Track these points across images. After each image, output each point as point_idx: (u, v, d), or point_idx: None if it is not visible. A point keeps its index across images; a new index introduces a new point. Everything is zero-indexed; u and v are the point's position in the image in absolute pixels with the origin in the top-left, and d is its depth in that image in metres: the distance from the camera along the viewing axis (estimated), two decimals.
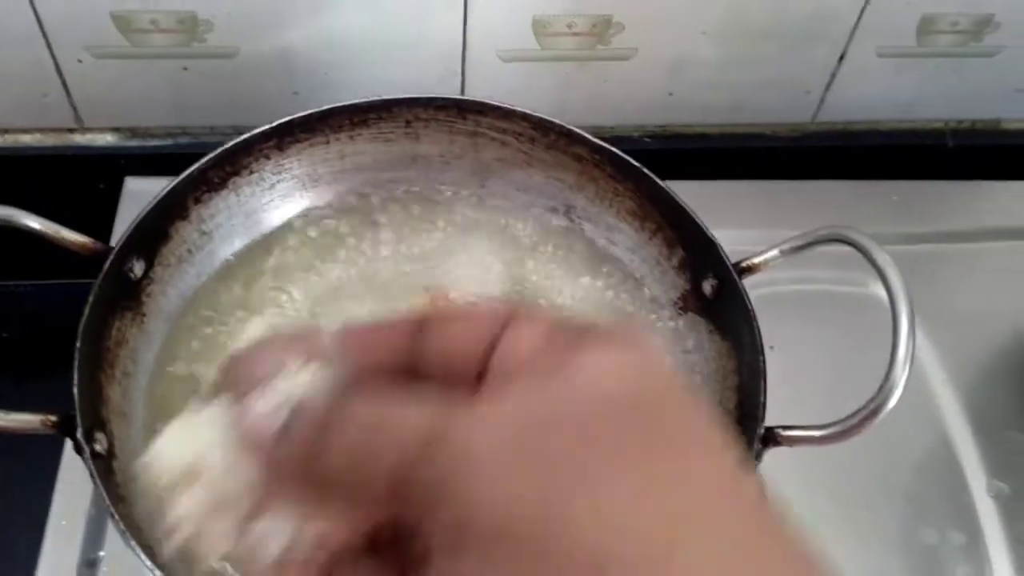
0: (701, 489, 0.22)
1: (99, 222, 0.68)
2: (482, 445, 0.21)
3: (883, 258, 0.48)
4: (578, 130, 0.58)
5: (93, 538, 0.55)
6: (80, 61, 0.67)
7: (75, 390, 0.45)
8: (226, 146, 0.55)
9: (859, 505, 0.60)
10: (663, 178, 0.58)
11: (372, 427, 0.22)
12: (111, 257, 0.49)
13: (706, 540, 0.21)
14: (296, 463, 0.23)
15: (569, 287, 0.60)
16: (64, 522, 0.55)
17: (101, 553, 0.54)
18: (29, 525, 0.55)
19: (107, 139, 0.73)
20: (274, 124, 0.56)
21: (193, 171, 0.54)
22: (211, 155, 0.54)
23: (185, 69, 0.68)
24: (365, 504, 0.23)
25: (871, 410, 0.45)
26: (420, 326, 0.25)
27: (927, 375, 0.65)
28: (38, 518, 0.55)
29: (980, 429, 0.63)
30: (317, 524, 0.24)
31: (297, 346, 0.25)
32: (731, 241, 0.57)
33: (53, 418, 0.45)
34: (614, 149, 0.58)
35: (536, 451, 0.21)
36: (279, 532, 0.24)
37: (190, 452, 0.25)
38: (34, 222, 0.49)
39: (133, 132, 0.73)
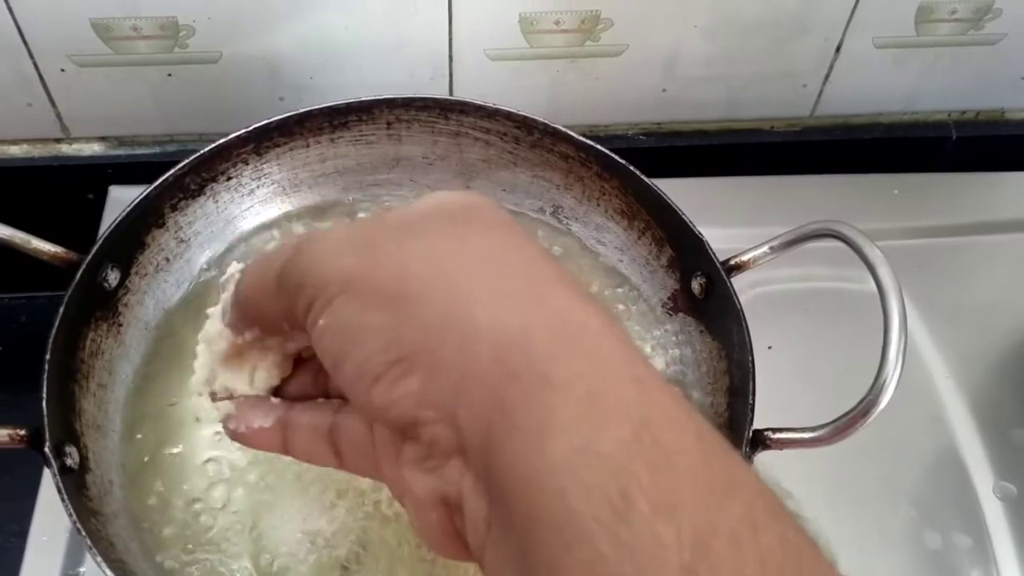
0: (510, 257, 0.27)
1: (86, 233, 0.67)
2: (327, 241, 0.28)
3: (873, 253, 0.46)
4: (563, 128, 0.57)
5: (74, 553, 0.54)
6: (63, 70, 0.66)
7: (43, 403, 0.44)
8: (202, 152, 0.54)
9: (863, 508, 0.59)
10: (660, 176, 0.56)
11: (261, 260, 0.31)
12: (83, 267, 0.48)
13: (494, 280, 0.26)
14: (237, 312, 0.32)
15: None
16: (45, 537, 0.54)
17: (82, 569, 0.53)
18: (11, 540, 0.54)
19: (94, 148, 0.72)
20: (251, 128, 0.55)
21: (168, 178, 0.53)
22: (186, 161, 0.54)
23: (169, 75, 0.67)
24: (278, 320, 0.30)
25: (861, 410, 0.44)
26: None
27: (931, 373, 0.63)
28: (20, 533, 0.54)
29: (986, 428, 0.61)
30: (266, 371, 0.33)
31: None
32: (730, 239, 0.55)
33: (22, 432, 0.44)
34: (600, 147, 0.56)
35: (369, 233, 0.28)
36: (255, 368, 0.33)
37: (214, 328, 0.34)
38: (3, 232, 0.48)
39: (120, 141, 0.72)
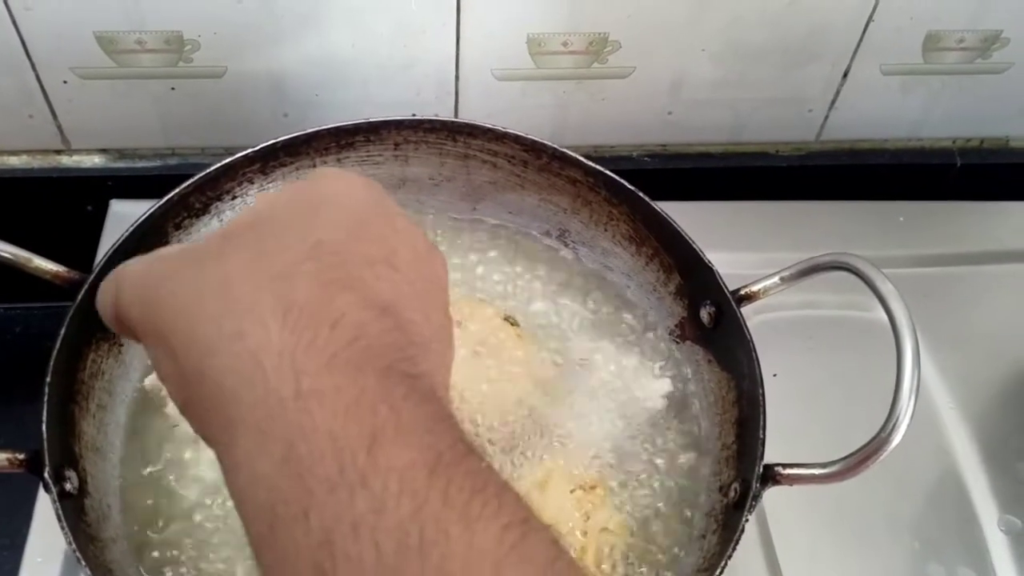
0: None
1: (86, 245, 0.67)
2: (126, 287, 0.31)
3: (886, 288, 0.46)
4: (571, 152, 0.56)
5: (70, 574, 0.53)
6: (66, 82, 0.65)
7: (43, 427, 0.44)
8: (207, 171, 0.53)
9: (865, 540, 0.58)
10: (664, 199, 0.56)
11: (100, 294, 0.33)
12: (85, 287, 0.48)
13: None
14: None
15: (563, 311, 0.58)
16: (40, 559, 0.53)
17: None
18: (6, 563, 0.53)
19: (95, 160, 0.71)
20: (258, 148, 0.55)
21: (173, 196, 0.52)
22: (191, 180, 0.53)
23: (173, 89, 0.67)
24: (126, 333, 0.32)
25: (873, 447, 0.43)
26: None
27: (935, 403, 0.63)
28: (15, 556, 0.53)
29: (991, 460, 0.61)
30: None
31: None
32: (734, 265, 0.55)
33: (21, 456, 0.43)
34: (608, 172, 0.56)
35: (149, 274, 0.31)
36: None
37: None
38: (6, 250, 0.47)
39: (121, 153, 0.71)
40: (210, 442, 0.28)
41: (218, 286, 0.28)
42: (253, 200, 0.57)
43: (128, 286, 0.31)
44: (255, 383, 0.26)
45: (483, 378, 0.53)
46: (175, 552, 0.49)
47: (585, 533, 0.49)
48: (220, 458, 0.27)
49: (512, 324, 0.56)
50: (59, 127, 0.69)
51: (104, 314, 0.33)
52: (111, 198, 0.70)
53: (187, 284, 0.29)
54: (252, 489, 0.25)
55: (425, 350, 0.29)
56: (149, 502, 0.50)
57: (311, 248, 0.29)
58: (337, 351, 0.26)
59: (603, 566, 0.49)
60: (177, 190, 0.52)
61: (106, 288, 0.32)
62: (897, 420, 0.43)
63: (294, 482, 0.24)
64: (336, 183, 0.32)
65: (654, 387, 0.54)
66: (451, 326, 0.32)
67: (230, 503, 0.50)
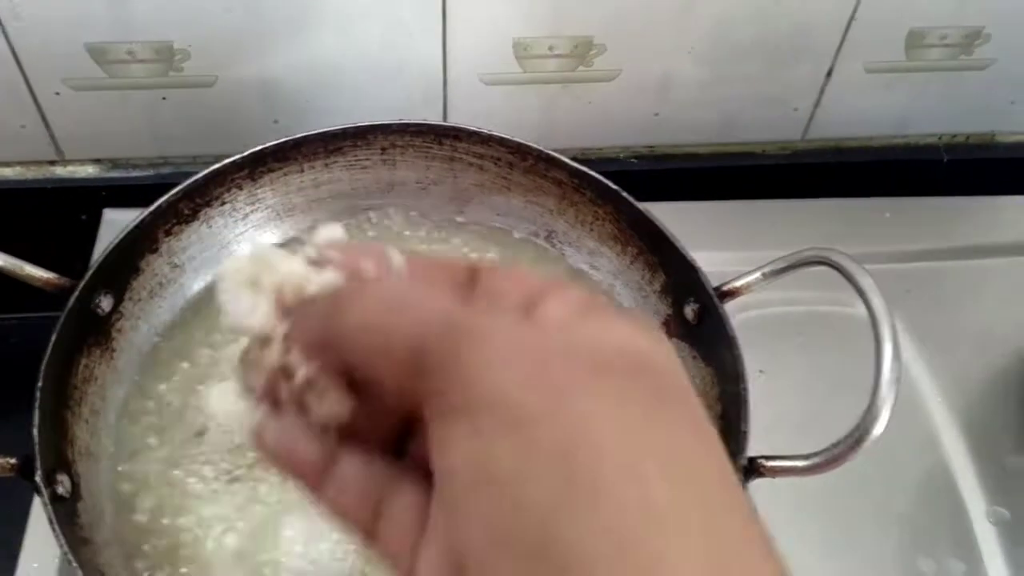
0: (691, 459, 0.23)
1: (80, 254, 0.67)
2: (499, 339, 0.23)
3: (866, 281, 0.46)
4: (556, 154, 0.57)
5: None
6: (58, 94, 0.66)
7: (35, 431, 0.44)
8: (196, 177, 0.54)
9: (855, 533, 0.59)
10: (652, 199, 0.57)
11: (395, 299, 0.24)
12: (75, 293, 0.48)
13: (689, 506, 0.22)
14: (315, 321, 0.25)
15: None
16: (36, 564, 0.54)
17: None
18: (1, 568, 0.54)
19: (88, 171, 0.72)
20: (246, 153, 0.56)
21: (162, 203, 0.53)
22: (180, 187, 0.54)
23: (164, 99, 0.67)
24: (377, 376, 0.24)
25: (855, 439, 0.44)
26: (473, 272, 0.26)
27: (923, 397, 0.64)
28: (10, 561, 0.54)
29: (979, 453, 0.61)
30: (331, 399, 0.25)
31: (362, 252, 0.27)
32: (721, 263, 0.56)
33: (13, 460, 0.44)
34: (592, 172, 0.57)
35: (546, 361, 0.23)
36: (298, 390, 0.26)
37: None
38: None
39: (114, 163, 0.72)
40: None
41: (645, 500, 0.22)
42: (242, 205, 0.58)
43: (508, 352, 0.23)
44: None
45: None
46: (169, 556, 0.49)
47: None
48: None
49: None
50: (52, 138, 0.70)
51: (379, 338, 0.24)
52: (104, 208, 0.71)
53: (586, 441, 0.22)
54: None
55: None
56: (143, 505, 0.50)
57: None
58: None
59: None
60: (166, 197, 0.53)
61: (403, 312, 0.24)
62: (877, 410, 0.44)
63: None
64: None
65: None
66: None
67: (224, 509, 0.52)
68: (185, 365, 0.55)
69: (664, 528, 0.21)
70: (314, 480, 0.26)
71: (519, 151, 0.58)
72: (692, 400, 0.24)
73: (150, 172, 0.72)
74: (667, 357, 0.24)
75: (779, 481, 0.48)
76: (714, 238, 0.62)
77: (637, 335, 0.24)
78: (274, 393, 0.26)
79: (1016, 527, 0.59)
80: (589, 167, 0.57)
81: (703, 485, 0.23)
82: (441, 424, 0.23)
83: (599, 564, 0.21)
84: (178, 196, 0.54)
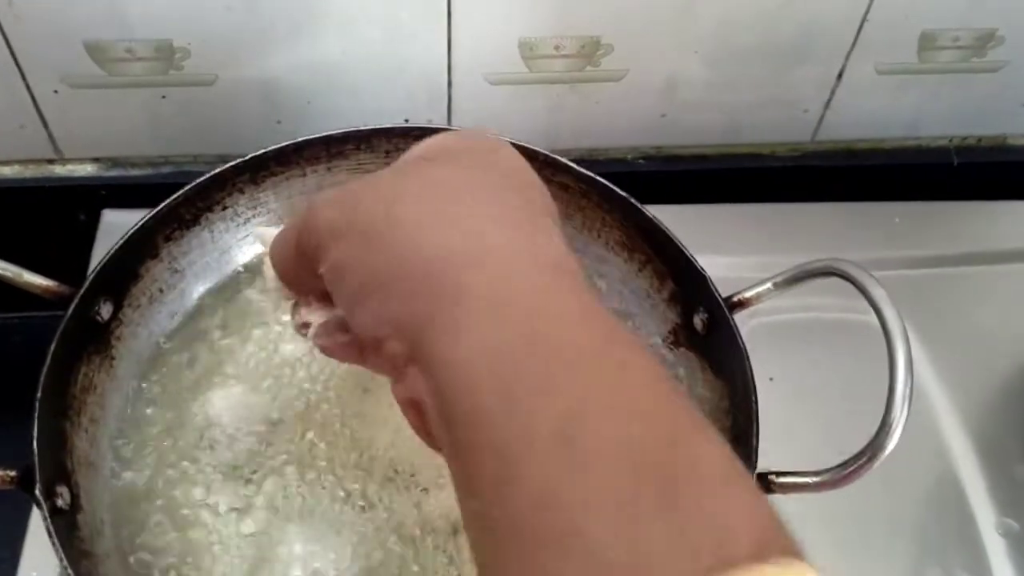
0: (496, 186, 0.33)
1: (79, 254, 0.67)
2: (322, 204, 0.33)
3: (878, 293, 0.45)
4: (563, 159, 0.56)
5: None
6: (56, 92, 0.65)
7: (34, 443, 0.43)
8: (197, 181, 0.53)
9: (862, 544, 0.58)
10: (659, 201, 0.56)
11: (279, 238, 0.37)
12: (75, 302, 0.48)
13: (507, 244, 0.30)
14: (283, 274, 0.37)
15: None
16: (35, 574, 0.53)
17: None
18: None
19: (87, 169, 0.71)
20: (248, 157, 0.55)
21: (163, 208, 0.52)
22: (182, 191, 0.53)
23: (164, 98, 0.66)
24: (310, 280, 0.34)
25: (868, 456, 0.43)
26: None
27: (932, 406, 0.63)
28: (9, 572, 0.53)
29: (988, 462, 0.61)
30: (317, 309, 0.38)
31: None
32: (729, 268, 0.55)
33: (13, 473, 0.43)
34: (600, 178, 0.56)
35: (351, 187, 0.33)
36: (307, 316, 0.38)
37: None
38: None
39: (113, 162, 0.71)
40: (407, 320, 0.29)
41: (431, 182, 0.31)
42: (244, 210, 0.57)
43: (322, 200, 0.33)
44: (484, 264, 0.28)
45: None
46: (170, 566, 0.49)
47: None
48: (424, 330, 0.29)
49: None
50: (51, 136, 0.69)
51: (282, 253, 0.36)
52: (104, 207, 0.70)
53: (389, 184, 0.32)
54: (483, 358, 0.27)
55: None
56: (145, 515, 0.50)
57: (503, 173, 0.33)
58: (559, 261, 0.30)
59: None
60: (167, 202, 0.52)
61: (286, 228, 0.36)
62: (890, 427, 0.43)
63: (538, 360, 0.26)
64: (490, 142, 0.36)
65: None
66: None
67: (227, 516, 0.51)
68: (185, 371, 0.54)
69: (474, 215, 0.30)
70: (357, 355, 0.36)
71: (525, 155, 0.56)
72: (511, 171, 0.34)
73: (150, 171, 0.72)
74: (489, 143, 0.35)
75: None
76: (721, 242, 0.61)
77: (437, 137, 0.35)
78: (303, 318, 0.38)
79: None
80: (596, 167, 0.56)
81: (505, 198, 0.32)
82: (323, 277, 0.33)
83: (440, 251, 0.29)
84: (179, 200, 0.53)
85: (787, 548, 0.24)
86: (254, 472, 0.51)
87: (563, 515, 0.24)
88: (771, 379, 0.59)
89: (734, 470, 0.26)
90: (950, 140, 0.77)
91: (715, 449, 0.26)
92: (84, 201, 0.70)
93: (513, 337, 0.27)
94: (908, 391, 0.43)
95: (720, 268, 0.53)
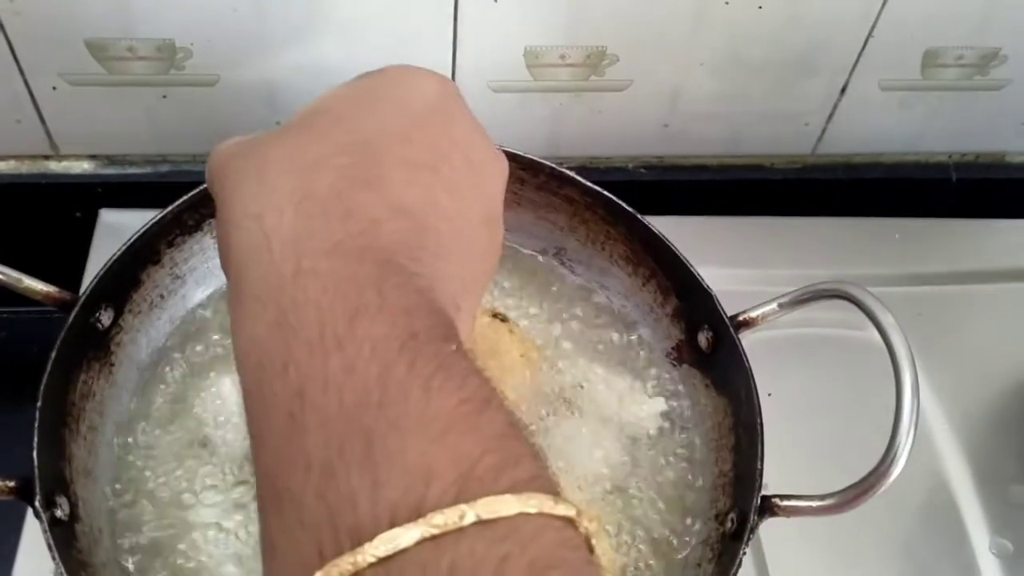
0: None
1: (74, 253, 0.66)
2: (229, 140, 0.34)
3: (886, 319, 0.46)
4: (568, 172, 0.56)
5: None
6: (55, 88, 0.64)
7: (34, 455, 0.43)
8: (200, 188, 0.52)
9: (858, 563, 0.58)
10: (659, 211, 0.56)
11: None
12: (76, 309, 0.47)
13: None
14: None
15: (558, 330, 0.58)
16: None
17: None
18: None
19: (84, 167, 0.70)
20: None
21: (167, 214, 0.52)
22: (185, 198, 0.52)
23: (164, 97, 0.66)
24: None
25: (873, 481, 0.43)
26: None
27: (928, 424, 0.63)
28: None
29: (983, 482, 0.61)
30: None
31: None
32: (730, 281, 0.55)
33: (11, 483, 0.43)
34: (605, 192, 0.55)
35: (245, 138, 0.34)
36: None
37: None
38: None
39: (111, 159, 0.70)
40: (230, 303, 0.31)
41: (257, 169, 0.31)
42: None
43: (215, 154, 0.33)
44: (262, 260, 0.28)
45: None
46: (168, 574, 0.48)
47: None
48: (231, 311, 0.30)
49: (502, 320, 0.56)
50: (47, 132, 0.68)
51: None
52: (100, 205, 0.69)
53: (242, 161, 0.31)
54: (247, 348, 0.28)
55: (437, 256, 0.30)
56: (142, 524, 0.49)
57: (352, 144, 0.31)
58: (342, 239, 0.28)
59: None
60: (171, 208, 0.52)
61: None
62: (896, 453, 0.43)
63: (281, 344, 0.27)
64: (407, 79, 0.34)
65: (650, 409, 0.54)
66: (493, 238, 0.34)
67: (226, 523, 0.51)
68: (185, 378, 0.54)
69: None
70: None
71: (531, 167, 0.56)
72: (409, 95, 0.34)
73: (148, 170, 0.71)
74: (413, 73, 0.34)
75: None
76: (721, 255, 0.61)
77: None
78: None
79: (1019, 559, 0.59)
80: (596, 176, 0.56)
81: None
82: None
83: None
84: (183, 207, 0.52)
85: (516, 485, 0.24)
86: (253, 474, 0.50)
87: (279, 478, 0.26)
88: (769, 394, 0.59)
89: (456, 417, 0.26)
90: (949, 156, 0.77)
91: (437, 401, 0.26)
92: (80, 198, 0.70)
93: (265, 330, 0.28)
94: (914, 417, 0.44)
95: (719, 280, 0.53)
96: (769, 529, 0.58)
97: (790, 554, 0.58)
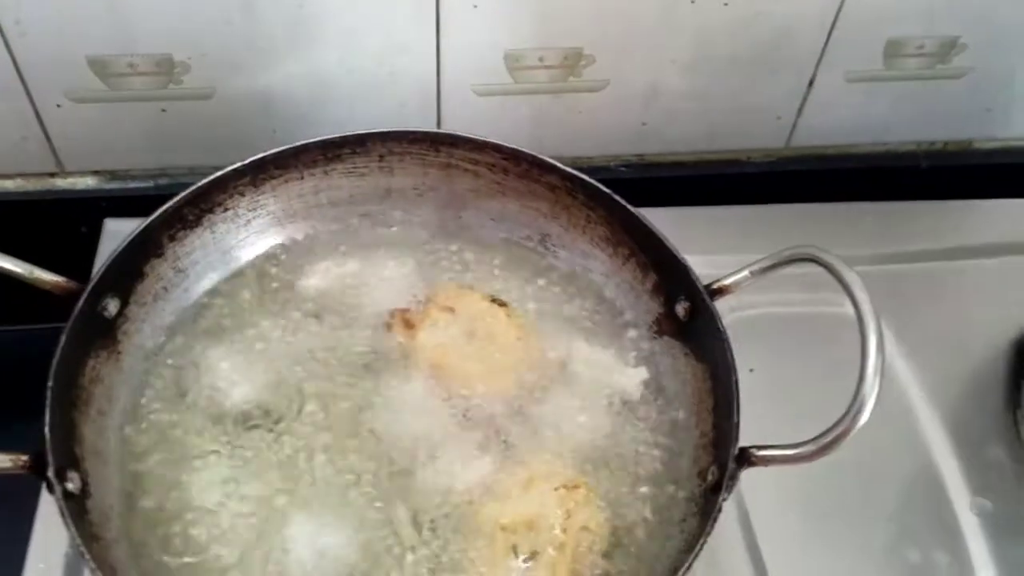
0: None
1: (81, 265, 0.68)
2: None
3: (850, 276, 0.48)
4: (548, 159, 0.59)
5: None
6: (59, 106, 0.67)
7: (46, 429, 0.45)
8: (200, 183, 0.55)
9: (841, 526, 0.60)
10: (640, 206, 0.58)
11: None
12: (84, 296, 0.50)
13: None
14: None
15: (545, 312, 0.60)
16: (42, 564, 0.55)
17: None
18: (7, 568, 0.55)
19: (88, 182, 0.73)
20: (248, 161, 0.57)
21: (168, 209, 0.55)
22: (185, 192, 0.55)
23: (163, 111, 0.69)
24: None
25: (842, 428, 0.45)
26: None
27: (907, 394, 0.65)
28: (16, 561, 0.55)
29: (961, 446, 0.63)
30: None
31: None
32: (709, 266, 0.57)
33: (25, 457, 0.45)
34: (584, 176, 0.58)
35: None
36: None
37: None
38: (6, 263, 0.49)
39: (113, 175, 0.73)
40: None
41: None
42: (244, 211, 0.59)
43: None
44: None
45: (475, 359, 0.56)
46: (177, 550, 0.50)
47: (565, 530, 0.51)
48: None
49: (501, 305, 0.59)
50: (53, 150, 0.71)
51: None
52: (106, 218, 0.71)
53: None
54: None
55: None
56: (151, 502, 0.51)
57: None
58: None
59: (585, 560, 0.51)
60: (171, 202, 0.55)
61: None
62: (863, 400, 0.45)
63: None
64: None
65: (632, 380, 0.56)
66: None
67: (233, 507, 0.53)
68: (189, 368, 0.56)
69: None
70: None
71: (513, 157, 0.59)
72: None
73: (149, 184, 0.74)
74: None
75: (766, 476, 0.49)
76: (701, 242, 0.64)
77: None
78: None
79: (998, 518, 0.61)
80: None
81: None
82: None
83: None
84: (183, 202, 0.55)
85: None
86: (257, 454, 0.53)
87: None
88: (751, 370, 0.62)
89: None
90: (918, 145, 0.80)
91: None
92: (85, 213, 0.72)
93: None
94: (880, 365, 0.46)
95: (700, 265, 0.56)
96: (752, 497, 0.60)
97: (774, 521, 0.60)
